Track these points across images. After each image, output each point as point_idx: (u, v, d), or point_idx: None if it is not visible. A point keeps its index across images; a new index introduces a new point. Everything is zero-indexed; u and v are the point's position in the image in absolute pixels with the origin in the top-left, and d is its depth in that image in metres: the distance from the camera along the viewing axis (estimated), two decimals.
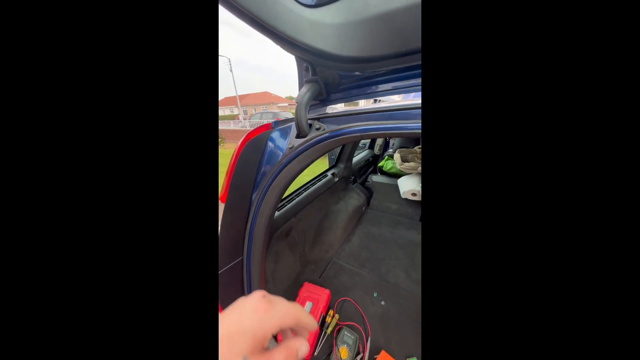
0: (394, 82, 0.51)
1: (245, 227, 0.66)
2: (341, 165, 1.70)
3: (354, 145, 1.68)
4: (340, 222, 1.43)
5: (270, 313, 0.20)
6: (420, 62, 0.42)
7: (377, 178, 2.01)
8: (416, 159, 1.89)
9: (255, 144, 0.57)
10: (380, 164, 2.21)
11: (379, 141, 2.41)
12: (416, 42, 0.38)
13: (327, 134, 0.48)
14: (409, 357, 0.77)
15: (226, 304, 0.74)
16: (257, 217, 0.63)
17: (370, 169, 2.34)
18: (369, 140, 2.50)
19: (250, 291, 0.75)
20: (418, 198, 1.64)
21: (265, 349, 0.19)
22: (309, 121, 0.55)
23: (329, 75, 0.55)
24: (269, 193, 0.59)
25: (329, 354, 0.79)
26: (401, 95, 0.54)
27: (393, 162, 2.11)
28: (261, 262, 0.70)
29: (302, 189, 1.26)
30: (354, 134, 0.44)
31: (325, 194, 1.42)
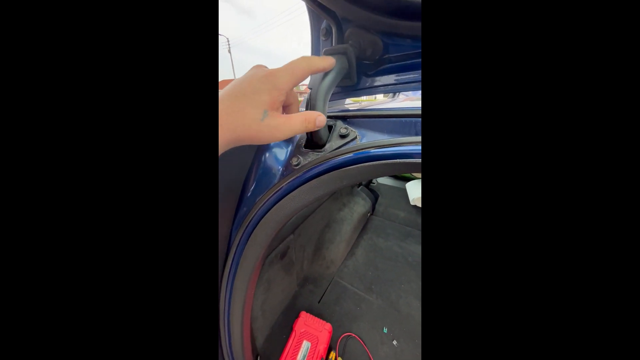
0: None
1: (224, 269, 0.46)
2: None
3: None
4: (344, 233, 1.25)
5: (279, 73, 0.21)
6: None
7: (382, 179, 1.82)
8: None
9: (239, 152, 0.35)
10: None
11: None
12: None
13: (367, 151, 0.26)
14: None
15: None
16: (242, 260, 0.42)
17: None
18: None
19: (230, 340, 0.56)
20: None
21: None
22: (329, 121, 0.33)
23: (368, 43, 0.32)
24: (258, 230, 0.38)
25: None
26: None
27: None
28: (245, 310, 0.51)
29: None
30: (415, 159, 0.22)
31: (329, 201, 1.22)
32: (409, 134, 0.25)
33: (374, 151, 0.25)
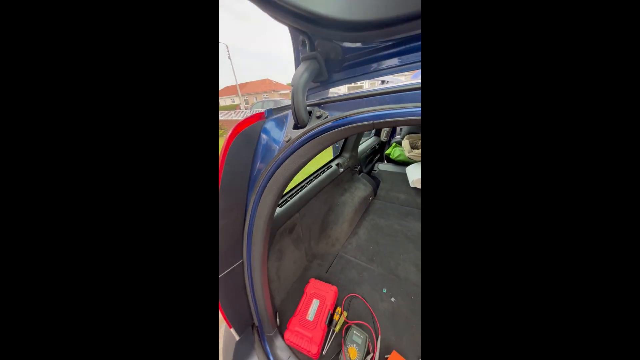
0: (405, 55, 0.41)
1: (243, 229, 0.61)
2: (346, 155, 1.60)
3: (360, 133, 1.57)
4: (346, 215, 1.38)
5: None
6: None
7: (384, 166, 1.91)
8: None
9: (246, 137, 0.49)
10: (387, 152, 2.10)
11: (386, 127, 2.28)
12: None
13: (330, 123, 0.39)
14: (421, 357, 0.73)
15: (229, 307, 0.70)
16: (255, 218, 0.57)
17: (377, 157, 2.23)
18: None
19: (253, 293, 0.71)
20: None
21: None
22: (309, 108, 0.46)
23: (331, 50, 0.45)
24: (266, 193, 0.52)
25: (338, 353, 0.76)
26: (411, 73, 0.45)
27: (401, 149, 1.99)
28: (262, 264, 0.66)
29: (305, 182, 1.20)
30: (365, 122, 0.35)
31: (330, 186, 1.35)
32: (358, 107, 0.39)
33: (333, 123, 0.39)
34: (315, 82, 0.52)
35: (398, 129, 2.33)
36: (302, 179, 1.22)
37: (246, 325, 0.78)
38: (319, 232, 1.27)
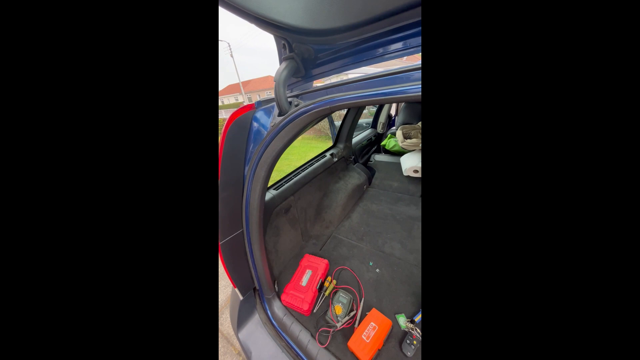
0: (366, 51, 0.52)
1: (242, 202, 0.73)
2: (340, 146, 1.71)
3: (353, 125, 1.67)
4: (339, 200, 1.49)
5: None
6: (387, 29, 0.43)
7: (379, 157, 2.00)
8: (419, 135, 1.85)
9: (240, 123, 0.61)
10: (383, 143, 2.18)
11: (382, 119, 2.35)
12: (379, 6, 0.38)
13: (301, 110, 0.51)
14: (397, 313, 0.85)
15: (232, 270, 0.84)
16: (251, 192, 0.69)
17: (374, 149, 2.32)
18: (371, 120, 2.44)
19: (253, 260, 0.85)
20: (420, 175, 1.64)
21: None
22: (290, 99, 0.57)
23: (305, 51, 0.56)
24: (259, 168, 0.64)
25: (326, 312, 0.89)
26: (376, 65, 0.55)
27: (396, 140, 2.07)
28: (259, 235, 0.78)
29: (300, 169, 1.32)
30: (324, 107, 0.46)
31: (324, 173, 1.47)
32: (326, 95, 0.50)
33: (303, 109, 0.50)
34: (296, 78, 0.63)
35: (396, 121, 2.40)
36: (296, 167, 1.34)
37: (248, 288, 0.92)
38: (314, 216, 1.39)
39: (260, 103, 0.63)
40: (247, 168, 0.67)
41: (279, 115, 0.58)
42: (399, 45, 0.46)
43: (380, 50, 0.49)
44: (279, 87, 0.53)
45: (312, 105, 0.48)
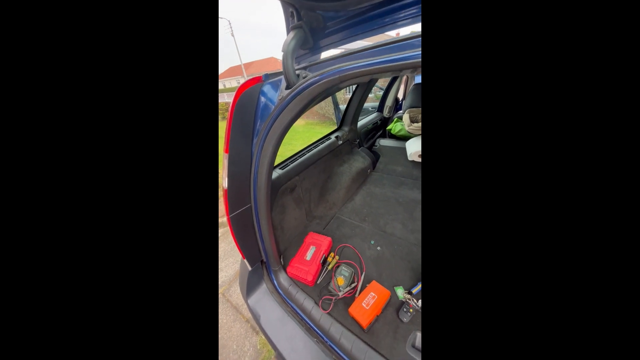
0: (377, 18, 0.50)
1: (250, 178, 0.76)
2: (345, 128, 1.69)
3: (359, 107, 1.64)
4: (343, 183, 1.51)
5: None
6: None
7: (385, 142, 1.98)
8: None
9: (249, 96, 0.62)
10: (389, 127, 2.15)
11: (388, 102, 2.30)
12: None
13: (310, 81, 0.51)
14: (396, 285, 0.90)
15: (241, 241, 0.89)
16: (259, 166, 0.71)
17: (379, 133, 2.29)
18: (377, 104, 2.38)
19: (261, 234, 0.89)
20: None
21: None
22: (298, 72, 0.57)
23: (314, 19, 0.55)
24: (266, 144, 0.66)
25: (329, 283, 0.95)
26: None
27: (402, 124, 2.04)
28: (267, 210, 0.82)
29: (305, 150, 1.33)
30: (333, 77, 0.47)
31: (329, 156, 1.48)
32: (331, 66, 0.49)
33: (311, 81, 0.50)
34: (304, 49, 0.62)
35: (403, 105, 2.34)
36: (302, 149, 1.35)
37: (256, 260, 0.98)
38: (318, 197, 1.43)
39: (267, 76, 0.63)
40: (254, 143, 0.68)
41: (287, 88, 0.58)
42: (413, 10, 0.44)
43: (393, 16, 0.47)
44: (287, 58, 0.53)
45: (321, 76, 0.48)
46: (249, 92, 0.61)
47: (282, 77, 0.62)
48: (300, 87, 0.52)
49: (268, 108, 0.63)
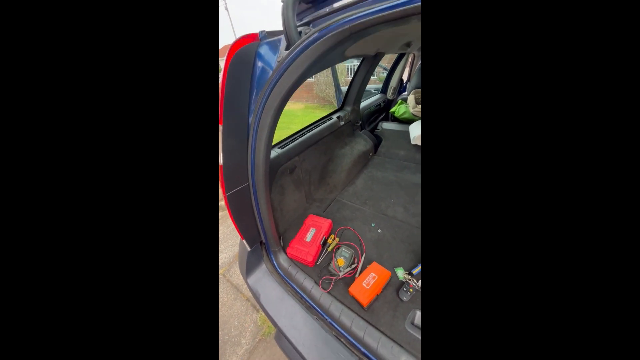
0: None
1: (247, 154, 0.71)
2: (347, 109, 1.61)
3: (362, 86, 1.55)
4: (344, 165, 1.47)
5: None
6: None
7: (387, 125, 1.92)
8: None
9: (243, 58, 0.55)
10: (392, 110, 2.06)
11: (393, 83, 2.19)
12: None
13: (315, 35, 0.44)
14: (396, 267, 0.90)
15: (239, 221, 0.85)
16: (256, 142, 0.66)
17: (382, 116, 2.20)
18: (380, 85, 2.27)
19: (259, 214, 0.86)
20: None
21: None
22: (300, 28, 0.50)
23: None
24: (264, 116, 0.60)
25: (329, 264, 0.94)
26: None
27: (406, 105, 1.95)
28: (265, 189, 0.78)
29: (305, 130, 1.26)
30: (342, 28, 0.40)
31: (330, 137, 1.41)
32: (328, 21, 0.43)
33: (315, 35, 0.44)
34: (306, 4, 0.54)
35: (408, 87, 2.23)
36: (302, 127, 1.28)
37: (255, 241, 0.97)
38: (318, 179, 1.39)
39: (264, 33, 0.55)
40: (251, 117, 0.63)
41: (287, 48, 0.51)
42: None
43: None
44: (288, 9, 0.46)
45: (327, 28, 0.41)
46: (243, 53, 0.54)
47: (282, 36, 0.55)
48: (303, 44, 0.46)
49: (265, 73, 0.57)
